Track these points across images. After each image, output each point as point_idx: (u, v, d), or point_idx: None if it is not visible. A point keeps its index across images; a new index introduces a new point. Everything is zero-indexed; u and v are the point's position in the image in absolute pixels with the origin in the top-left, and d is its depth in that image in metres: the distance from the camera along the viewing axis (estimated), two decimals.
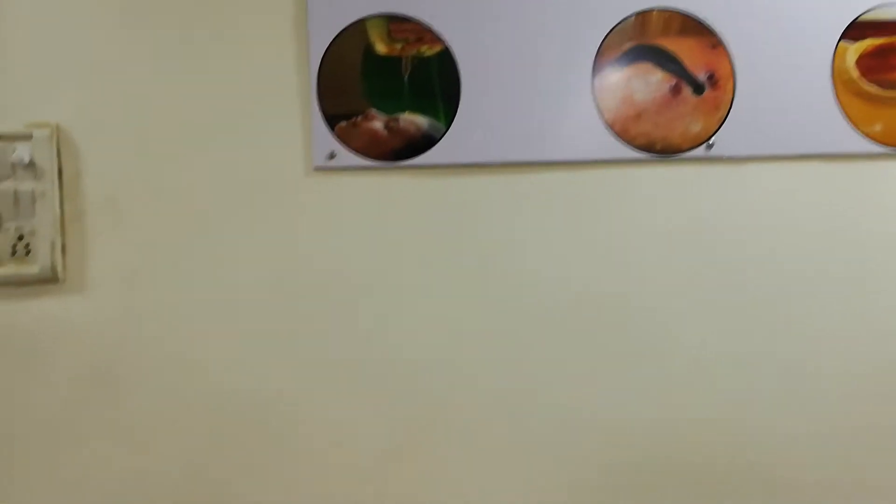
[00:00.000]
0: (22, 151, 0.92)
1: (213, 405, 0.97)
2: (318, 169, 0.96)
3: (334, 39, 0.96)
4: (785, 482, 1.01)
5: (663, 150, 0.98)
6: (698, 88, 0.98)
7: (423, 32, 0.97)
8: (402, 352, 0.98)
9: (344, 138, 0.96)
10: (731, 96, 0.98)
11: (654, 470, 1.00)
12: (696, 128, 0.99)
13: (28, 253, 0.93)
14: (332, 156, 0.96)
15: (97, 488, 0.96)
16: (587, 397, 1.00)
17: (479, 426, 1.00)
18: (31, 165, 0.92)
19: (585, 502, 1.00)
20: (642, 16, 0.98)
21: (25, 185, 0.93)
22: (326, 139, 0.96)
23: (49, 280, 0.93)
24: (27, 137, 0.93)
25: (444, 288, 0.98)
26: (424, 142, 0.97)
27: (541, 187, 0.98)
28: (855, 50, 1.00)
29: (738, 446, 1.00)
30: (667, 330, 1.00)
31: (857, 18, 0.99)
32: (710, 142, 0.99)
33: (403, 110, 0.96)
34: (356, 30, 0.96)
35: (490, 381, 0.99)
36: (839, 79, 0.99)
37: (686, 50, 0.98)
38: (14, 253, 0.93)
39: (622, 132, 0.98)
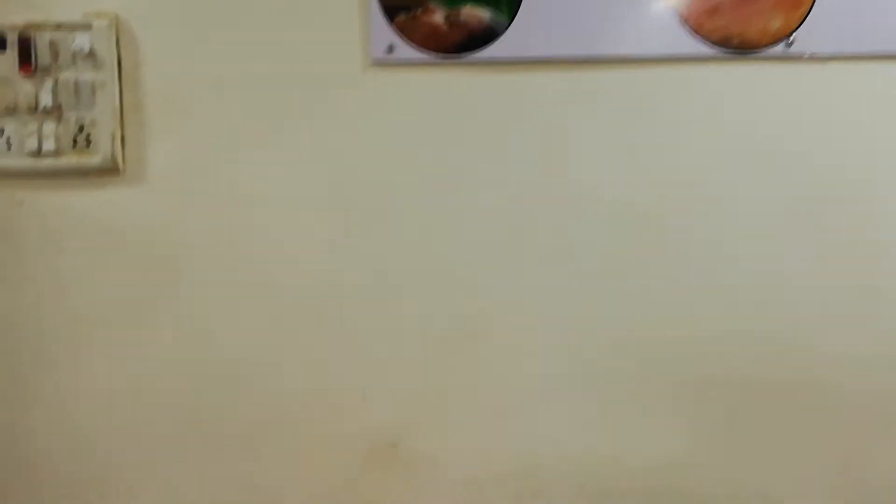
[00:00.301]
0: (81, 41, 0.92)
1: (271, 295, 0.97)
2: (376, 63, 0.94)
3: None
4: (852, 401, 0.97)
5: (739, 46, 0.93)
6: None
7: None
8: (459, 248, 0.98)
9: (403, 31, 0.93)
10: None
11: (716, 387, 0.98)
12: (776, 24, 0.92)
13: (89, 144, 0.93)
14: (390, 49, 0.93)
15: (157, 375, 0.98)
16: (644, 312, 0.97)
17: (531, 336, 0.99)
18: (90, 55, 0.92)
19: (643, 419, 0.98)
20: None
21: (85, 75, 0.93)
22: (385, 32, 0.93)
23: (109, 171, 0.94)
24: (87, 27, 0.92)
25: (502, 186, 0.96)
26: (486, 36, 0.93)
27: (607, 85, 0.94)
28: None
29: (804, 364, 0.97)
30: (734, 243, 0.96)
31: None
32: (790, 39, 0.93)
33: (465, 2, 0.93)
34: None
35: (543, 288, 0.98)
36: None
37: None
38: (75, 144, 0.93)
39: (696, 27, 0.92)
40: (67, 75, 0.92)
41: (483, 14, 0.93)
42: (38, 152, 0.92)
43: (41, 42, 0.92)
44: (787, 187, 0.94)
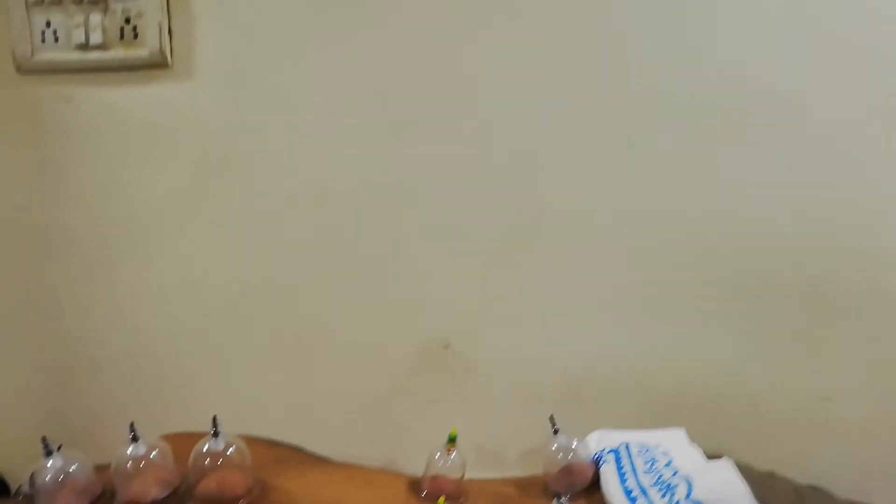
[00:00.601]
0: None
1: (322, 199, 0.96)
2: None
3: None
4: None
5: None
6: None
7: None
8: (515, 150, 0.95)
9: None
10: None
11: (777, 291, 0.95)
12: None
13: (136, 36, 0.91)
14: None
15: (210, 277, 0.98)
16: (707, 212, 0.94)
17: (588, 240, 0.97)
18: None
19: (703, 324, 0.96)
20: None
21: None
22: None
23: (157, 65, 0.91)
24: None
25: (558, 84, 0.92)
26: None
27: None
28: None
29: (873, 270, 0.93)
30: (811, 139, 0.91)
31: None
32: None
33: None
34: None
35: (601, 190, 0.95)
36: None
37: None
38: (122, 36, 0.91)
39: None
40: None
41: None
42: (86, 45, 0.91)
43: None
44: (875, 82, 0.89)
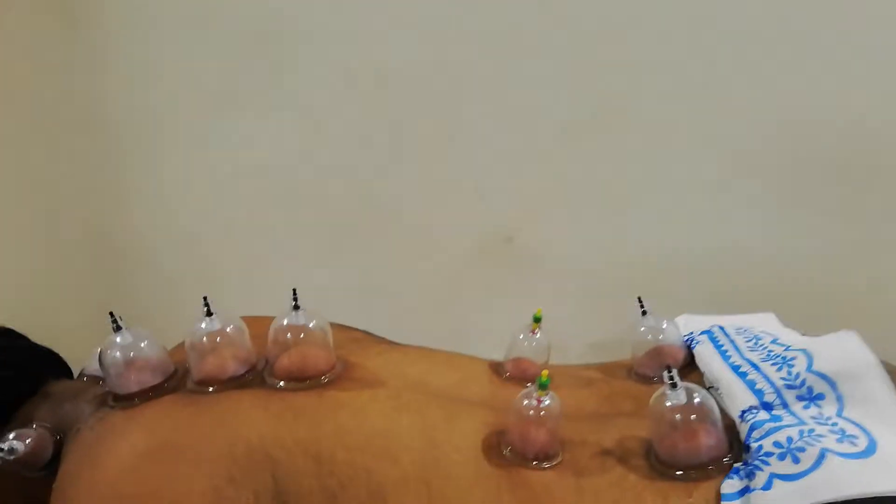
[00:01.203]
0: None
1: (381, 82, 0.91)
2: None
3: None
4: None
5: None
6: None
7: None
8: (585, 29, 0.89)
9: None
10: None
11: (854, 175, 0.89)
12: None
13: None
14: None
15: (263, 165, 0.93)
16: (788, 91, 0.88)
17: (659, 122, 0.91)
18: None
19: (774, 210, 0.91)
20: None
21: None
22: None
23: None
24: None
25: None
26: None
27: None
28: None
29: None
30: None
31: None
32: None
33: None
34: None
35: (676, 70, 0.89)
36: None
37: None
38: None
39: None
40: None
41: None
42: None
43: None
44: None
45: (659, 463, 0.58)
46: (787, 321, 0.84)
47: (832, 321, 0.89)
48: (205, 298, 0.66)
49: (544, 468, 0.58)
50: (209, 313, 0.66)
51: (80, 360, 0.79)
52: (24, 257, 0.97)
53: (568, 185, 0.96)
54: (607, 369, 0.78)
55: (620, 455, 0.60)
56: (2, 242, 0.99)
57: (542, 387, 0.59)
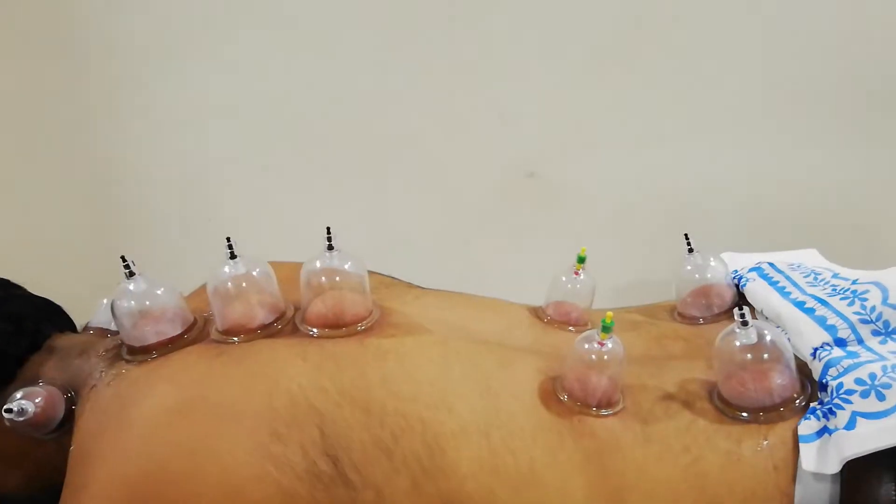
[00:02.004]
0: None
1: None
2: None
3: None
4: None
5: None
6: None
7: None
8: None
9: None
10: None
11: None
12: None
13: None
14: None
15: (271, 93, 0.85)
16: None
17: (691, 48, 0.86)
18: None
19: (808, 141, 0.87)
20: None
21: None
22: None
23: None
24: None
25: None
26: None
27: None
28: None
29: None
30: None
31: None
32: None
33: None
34: None
35: None
36: None
37: None
38: None
39: None
40: None
41: None
42: None
43: None
44: None
45: (726, 406, 0.55)
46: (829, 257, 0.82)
47: (876, 257, 0.88)
48: (228, 240, 0.59)
49: (607, 415, 0.55)
50: (233, 256, 0.60)
51: (82, 315, 0.72)
52: (17, 208, 0.90)
53: (597, 116, 0.91)
54: (649, 311, 0.74)
55: (684, 399, 0.56)
56: None
57: (606, 329, 0.55)
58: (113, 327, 0.69)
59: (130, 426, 0.51)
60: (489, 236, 0.97)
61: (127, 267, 0.59)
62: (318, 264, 0.60)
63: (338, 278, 0.60)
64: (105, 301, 0.70)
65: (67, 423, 0.59)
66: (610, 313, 0.54)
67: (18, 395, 0.57)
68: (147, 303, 0.60)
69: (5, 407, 0.55)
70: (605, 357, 0.55)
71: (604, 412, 0.55)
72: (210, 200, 0.92)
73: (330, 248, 0.60)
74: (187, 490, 0.48)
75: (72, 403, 0.59)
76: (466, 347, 0.59)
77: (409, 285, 0.72)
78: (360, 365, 0.55)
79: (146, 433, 0.50)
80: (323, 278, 0.60)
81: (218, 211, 0.91)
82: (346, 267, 0.60)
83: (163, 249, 0.89)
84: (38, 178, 0.93)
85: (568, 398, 0.55)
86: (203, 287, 0.72)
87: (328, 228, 0.59)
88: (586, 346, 0.56)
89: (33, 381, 0.60)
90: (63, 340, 0.64)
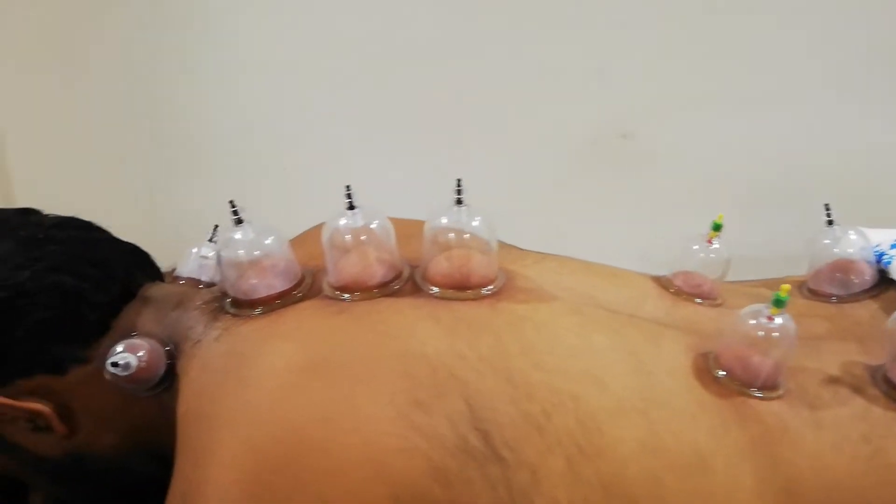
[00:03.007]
0: None
1: None
2: None
3: None
4: None
5: None
6: None
7: None
8: None
9: None
10: None
11: None
12: None
13: None
14: None
15: (338, 51, 0.79)
16: None
17: (788, 23, 0.79)
18: None
19: None
20: None
21: None
22: None
23: None
24: None
25: None
26: None
27: None
28: None
29: None
30: None
31: None
32: None
33: None
34: None
35: None
36: None
37: None
38: None
39: None
40: None
41: None
42: None
43: None
44: None
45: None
46: None
47: None
48: (347, 188, 0.54)
49: (771, 398, 0.50)
50: (351, 206, 0.54)
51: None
52: (81, 155, 0.85)
53: (698, 76, 0.84)
54: (776, 287, 0.69)
55: (851, 383, 0.51)
56: (60, 140, 0.86)
57: (779, 304, 0.49)
58: (204, 278, 0.65)
59: (255, 387, 0.46)
60: (573, 200, 0.91)
61: (235, 213, 0.54)
62: (444, 220, 0.55)
63: (467, 236, 0.54)
64: (195, 250, 0.65)
65: (168, 379, 0.54)
66: (787, 286, 0.49)
67: (119, 347, 0.52)
68: (256, 253, 0.55)
69: (110, 360, 0.50)
70: (775, 335, 0.50)
71: (769, 394, 0.50)
72: (281, 151, 0.87)
73: (458, 201, 0.54)
74: (325, 463, 0.43)
75: (171, 358, 0.54)
76: (606, 318, 0.54)
77: (523, 249, 0.66)
78: (495, 331, 0.50)
79: (274, 395, 0.45)
80: (451, 235, 0.54)
81: (289, 161, 0.85)
82: (475, 224, 0.55)
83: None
84: (96, 121, 0.88)
85: (727, 377, 0.50)
86: (300, 238, 0.67)
87: (458, 181, 0.53)
88: (752, 321, 0.50)
89: (128, 333, 0.55)
90: (156, 290, 0.59)
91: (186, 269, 0.64)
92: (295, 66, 0.86)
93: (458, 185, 0.54)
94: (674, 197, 0.89)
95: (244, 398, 0.46)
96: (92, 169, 0.91)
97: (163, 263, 0.66)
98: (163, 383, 0.54)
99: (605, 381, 0.48)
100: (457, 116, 0.89)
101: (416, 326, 0.50)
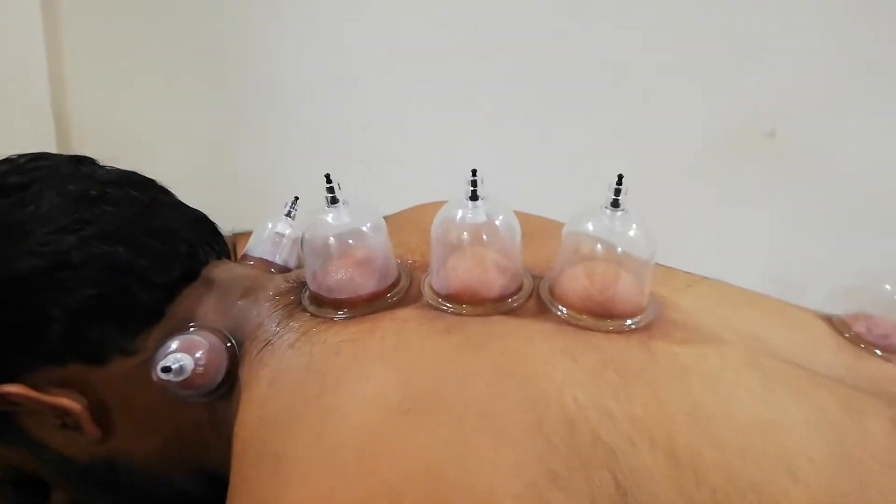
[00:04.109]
0: None
1: None
2: None
3: None
4: None
5: None
6: None
7: None
8: None
9: None
10: None
11: None
12: None
13: None
14: None
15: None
16: None
17: None
18: None
19: None
20: None
21: None
22: None
23: None
24: None
25: None
26: None
27: None
28: None
29: None
30: None
31: None
32: None
33: None
34: None
35: None
36: None
37: None
38: None
39: None
40: None
41: None
42: None
43: None
44: None
45: None
46: None
47: None
48: (474, 172, 0.42)
49: None
50: (475, 196, 0.43)
51: None
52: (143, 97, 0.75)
53: (865, 65, 0.70)
54: None
55: None
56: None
57: None
58: (278, 260, 0.54)
59: (341, 427, 0.35)
60: (700, 205, 0.78)
61: (331, 190, 0.43)
62: (590, 226, 0.43)
63: (619, 250, 0.42)
64: (269, 226, 0.54)
65: (226, 383, 0.44)
66: None
67: (173, 344, 0.42)
68: (350, 241, 0.44)
69: (161, 365, 0.40)
70: None
71: None
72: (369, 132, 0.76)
73: (616, 204, 0.42)
74: None
75: (234, 359, 0.44)
76: (792, 376, 0.41)
77: (668, 268, 0.53)
78: (651, 383, 0.38)
79: (365, 444, 0.35)
80: (598, 247, 0.42)
81: (377, 143, 0.74)
82: (631, 234, 0.43)
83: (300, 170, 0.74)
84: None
85: None
86: (393, 221, 0.55)
87: (620, 177, 0.41)
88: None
89: (185, 324, 0.45)
90: (222, 271, 0.49)
91: (259, 248, 0.53)
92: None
93: (619, 183, 0.41)
94: (823, 209, 0.75)
95: (326, 442, 0.35)
96: (154, 115, 0.82)
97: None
98: (220, 388, 0.44)
99: (797, 467, 0.36)
100: (576, 104, 0.77)
101: (552, 365, 0.38)
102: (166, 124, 0.87)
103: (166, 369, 0.39)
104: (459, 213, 0.43)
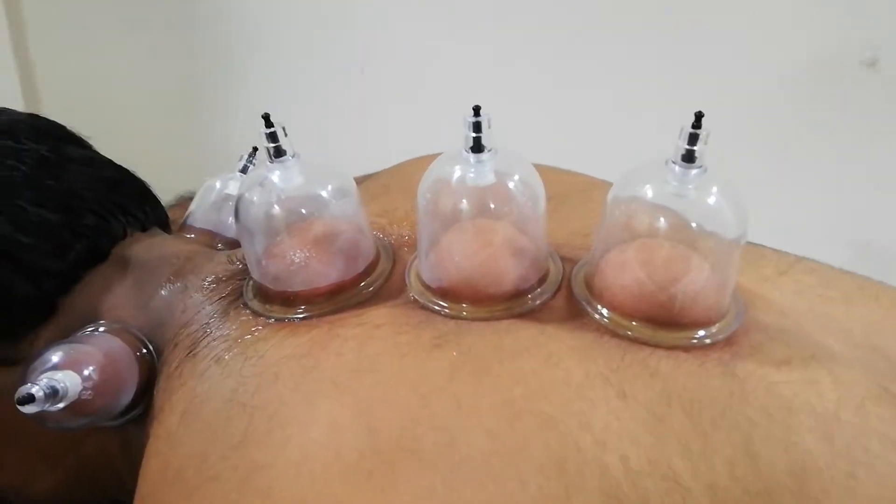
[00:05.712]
0: None
1: None
2: None
3: None
4: None
5: None
6: None
7: None
8: None
9: None
10: None
11: None
12: None
13: None
14: None
15: None
16: None
17: None
18: None
19: None
20: None
21: None
22: None
23: None
24: None
25: None
26: None
27: None
28: None
29: None
30: None
31: None
32: None
33: None
34: None
35: None
36: None
37: None
38: None
39: None
40: None
41: None
42: None
43: None
44: None
45: None
46: None
47: None
48: (476, 110, 0.29)
49: None
50: (478, 147, 0.29)
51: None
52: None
53: None
54: None
55: None
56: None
57: None
58: (227, 232, 0.41)
59: (279, 492, 0.23)
60: (787, 153, 0.64)
61: (273, 137, 0.30)
62: (648, 190, 0.29)
63: (693, 226, 0.29)
64: (217, 185, 0.42)
65: (139, 404, 0.32)
66: None
67: (54, 358, 0.30)
68: (303, 211, 0.31)
69: (18, 395, 0.28)
70: None
71: None
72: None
73: (689, 157, 0.28)
74: None
75: (151, 370, 0.32)
76: None
77: (753, 245, 0.39)
78: (741, 429, 0.25)
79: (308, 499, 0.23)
80: (661, 221, 0.29)
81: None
82: (711, 203, 0.29)
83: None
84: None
85: None
86: (376, 182, 0.43)
87: (698, 116, 0.28)
88: None
89: (84, 322, 0.33)
90: (142, 249, 0.36)
91: (202, 215, 0.41)
92: None
93: (696, 124, 0.27)
94: None
95: (253, 486, 0.23)
96: (122, 66, 0.69)
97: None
98: (131, 411, 0.32)
99: None
100: (629, 34, 0.63)
101: (589, 401, 0.25)
102: (135, 75, 0.74)
103: (24, 399, 0.27)
104: (457, 171, 0.30)
